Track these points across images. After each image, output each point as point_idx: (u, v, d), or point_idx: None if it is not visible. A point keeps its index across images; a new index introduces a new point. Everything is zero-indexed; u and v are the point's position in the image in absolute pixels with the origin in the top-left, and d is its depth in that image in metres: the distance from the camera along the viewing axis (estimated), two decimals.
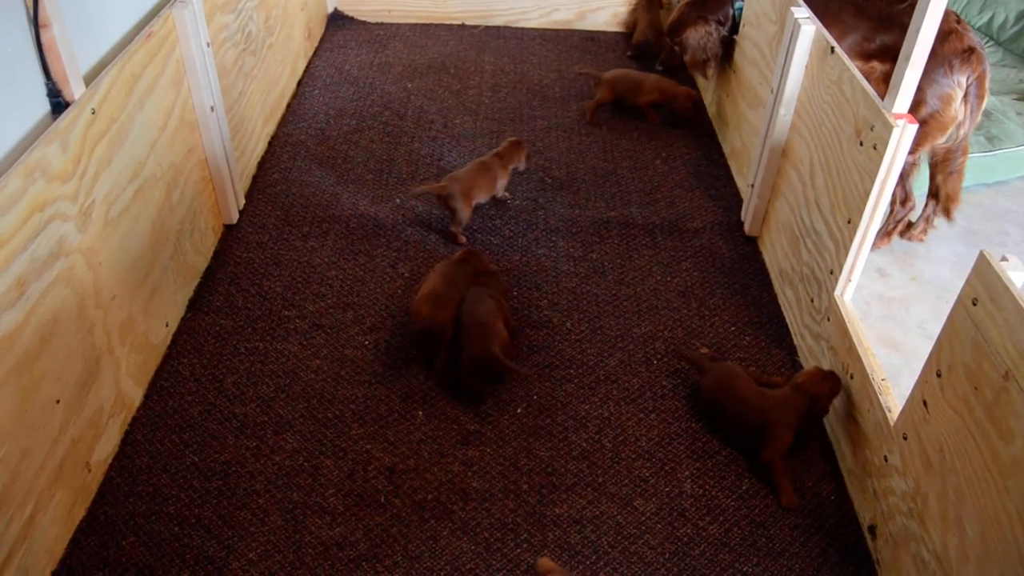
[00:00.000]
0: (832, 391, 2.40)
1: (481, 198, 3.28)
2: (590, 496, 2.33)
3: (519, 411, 2.56)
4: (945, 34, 3.00)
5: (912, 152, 3.16)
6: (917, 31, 2.17)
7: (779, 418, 2.37)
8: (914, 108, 3.03)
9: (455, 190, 3.17)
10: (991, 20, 4.95)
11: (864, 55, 3.18)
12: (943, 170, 3.31)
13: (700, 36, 3.80)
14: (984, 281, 1.74)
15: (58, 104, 2.18)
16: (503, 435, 2.49)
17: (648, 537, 2.23)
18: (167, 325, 2.73)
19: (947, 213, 3.41)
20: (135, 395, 2.52)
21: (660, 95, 4.02)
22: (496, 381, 2.61)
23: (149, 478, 2.33)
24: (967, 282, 1.80)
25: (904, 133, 2.23)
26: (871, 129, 2.35)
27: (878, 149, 2.30)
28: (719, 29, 3.78)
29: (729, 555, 2.20)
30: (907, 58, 2.22)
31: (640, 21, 4.80)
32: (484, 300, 2.64)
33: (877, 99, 2.35)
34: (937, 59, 2.99)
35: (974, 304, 1.77)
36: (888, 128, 2.24)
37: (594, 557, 2.18)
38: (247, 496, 2.29)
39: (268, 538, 2.19)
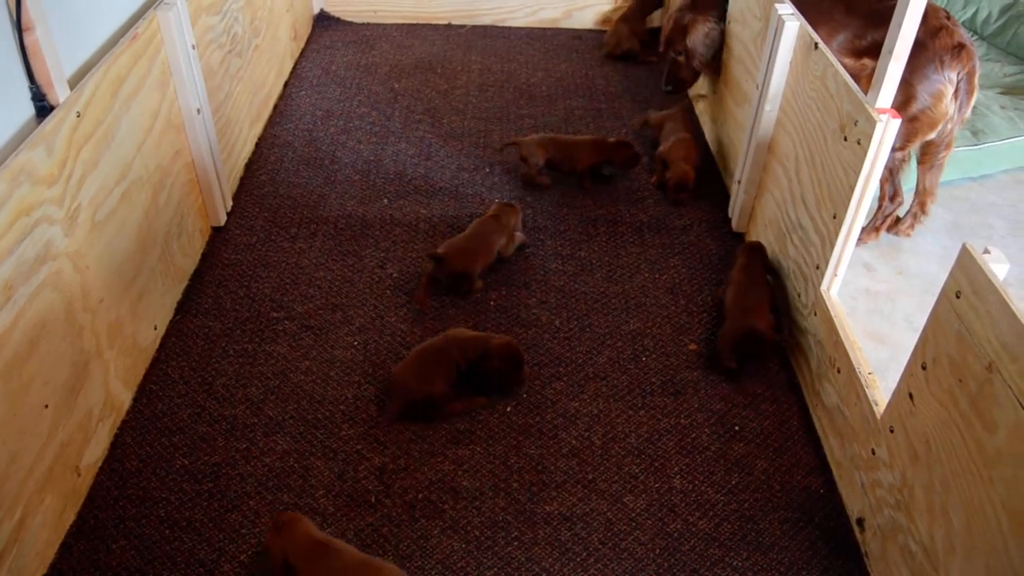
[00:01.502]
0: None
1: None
2: (580, 493, 2.34)
3: (508, 409, 2.57)
4: (935, 30, 3.01)
5: (902, 148, 3.18)
6: (899, 25, 2.19)
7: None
8: (905, 104, 3.05)
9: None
10: (975, 15, 4.98)
11: (856, 52, 3.19)
12: (924, 163, 3.32)
13: (704, 34, 3.73)
14: (967, 274, 1.75)
15: (43, 108, 2.17)
16: (493, 434, 2.49)
17: (638, 533, 2.24)
18: (155, 328, 2.73)
19: (922, 207, 3.43)
20: (124, 398, 2.52)
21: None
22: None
23: (139, 481, 2.32)
24: (950, 275, 1.81)
25: (888, 128, 2.25)
26: (855, 124, 2.37)
27: (862, 144, 2.31)
28: (719, 23, 3.74)
29: (719, 550, 2.21)
30: (890, 52, 2.24)
31: (620, 31, 4.76)
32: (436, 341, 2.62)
33: (860, 94, 2.37)
34: (928, 55, 3.00)
35: (957, 297, 1.79)
36: (872, 123, 2.26)
37: (584, 554, 2.19)
38: (238, 498, 2.29)
39: (259, 540, 2.19)
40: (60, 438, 2.14)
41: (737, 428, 2.54)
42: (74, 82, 2.31)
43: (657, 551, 2.20)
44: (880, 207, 3.39)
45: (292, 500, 2.28)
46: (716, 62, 3.80)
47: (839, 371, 2.40)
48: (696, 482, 2.38)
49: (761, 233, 3.13)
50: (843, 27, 3.19)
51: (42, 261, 2.05)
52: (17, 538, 1.96)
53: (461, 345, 2.58)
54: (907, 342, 2.90)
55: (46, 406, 2.07)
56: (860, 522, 2.23)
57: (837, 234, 2.45)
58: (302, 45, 4.72)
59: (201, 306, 2.90)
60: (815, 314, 2.59)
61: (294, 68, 4.48)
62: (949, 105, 3.08)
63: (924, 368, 1.92)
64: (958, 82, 3.05)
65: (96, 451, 2.34)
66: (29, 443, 2.00)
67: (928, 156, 3.29)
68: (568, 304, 2.97)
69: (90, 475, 2.31)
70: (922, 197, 3.41)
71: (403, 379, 2.52)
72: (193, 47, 2.86)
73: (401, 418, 2.51)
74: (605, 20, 5.07)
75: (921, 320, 1.97)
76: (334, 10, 5.06)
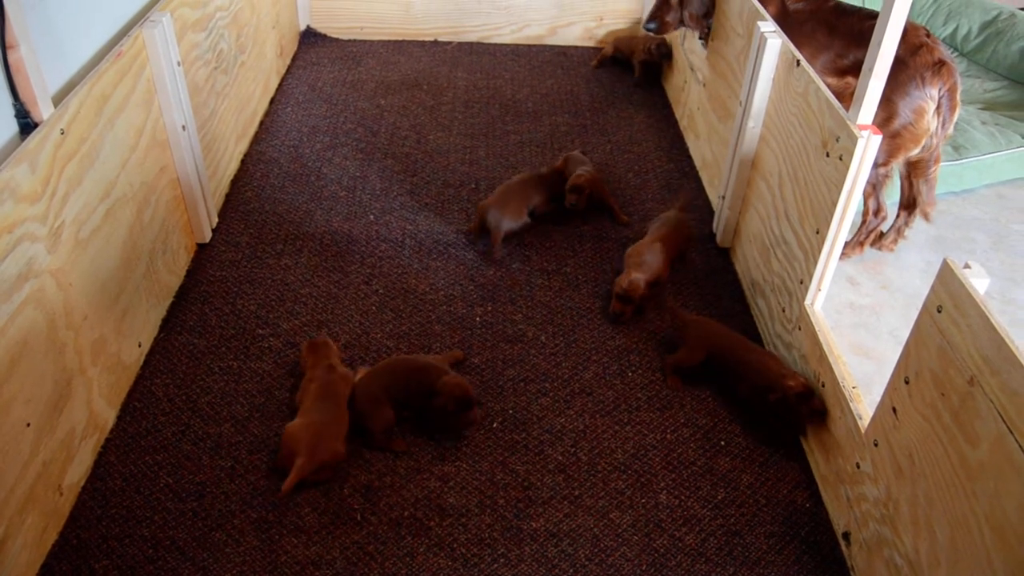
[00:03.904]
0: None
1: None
2: (567, 509, 2.33)
3: (495, 426, 2.57)
4: (916, 48, 3.06)
5: (885, 164, 3.21)
6: (879, 44, 2.22)
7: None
8: (888, 121, 3.09)
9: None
10: (955, 32, 5.05)
11: (839, 71, 3.24)
12: (918, 178, 3.36)
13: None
14: (948, 289, 1.77)
15: (26, 125, 2.17)
16: (479, 450, 2.49)
17: (625, 549, 2.24)
18: (140, 345, 2.71)
19: (926, 216, 3.47)
20: (108, 416, 2.50)
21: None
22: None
23: (122, 500, 2.30)
24: (932, 290, 1.83)
25: (869, 144, 2.27)
26: (837, 140, 2.39)
27: (844, 160, 2.34)
28: None
29: (706, 565, 2.21)
30: (870, 70, 2.27)
31: (633, 43, 4.75)
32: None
33: (842, 111, 2.39)
34: (909, 72, 3.04)
35: (939, 312, 1.80)
36: (853, 139, 2.28)
37: (571, 571, 2.18)
38: (222, 517, 2.27)
39: (244, 559, 2.17)
40: (42, 457, 2.12)
41: (723, 443, 2.54)
42: (58, 99, 2.30)
43: (644, 567, 2.20)
44: (864, 222, 3.42)
45: (277, 518, 2.27)
46: (707, 21, 3.74)
47: (824, 385, 2.41)
48: (682, 497, 2.38)
49: (746, 248, 3.15)
50: (826, 47, 3.24)
51: (25, 278, 2.04)
52: None
53: (408, 374, 2.54)
54: (892, 355, 2.92)
55: (28, 424, 2.05)
56: (846, 536, 2.24)
57: (820, 249, 2.47)
58: (288, 62, 4.72)
59: (186, 323, 2.89)
60: (799, 328, 2.60)
61: (280, 85, 4.48)
62: (931, 121, 3.12)
63: (907, 382, 1.93)
64: (940, 98, 3.09)
65: (79, 470, 2.32)
66: (10, 462, 1.98)
67: (920, 172, 3.34)
68: (554, 319, 2.97)
69: (73, 494, 2.29)
70: (924, 209, 3.44)
71: (359, 403, 2.49)
72: (178, 64, 2.86)
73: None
74: (590, 37, 5.10)
75: (905, 334, 1.98)
76: (320, 27, 5.08)
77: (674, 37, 4.46)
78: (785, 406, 2.44)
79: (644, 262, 3.01)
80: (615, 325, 2.95)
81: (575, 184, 3.38)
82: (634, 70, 4.68)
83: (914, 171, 3.36)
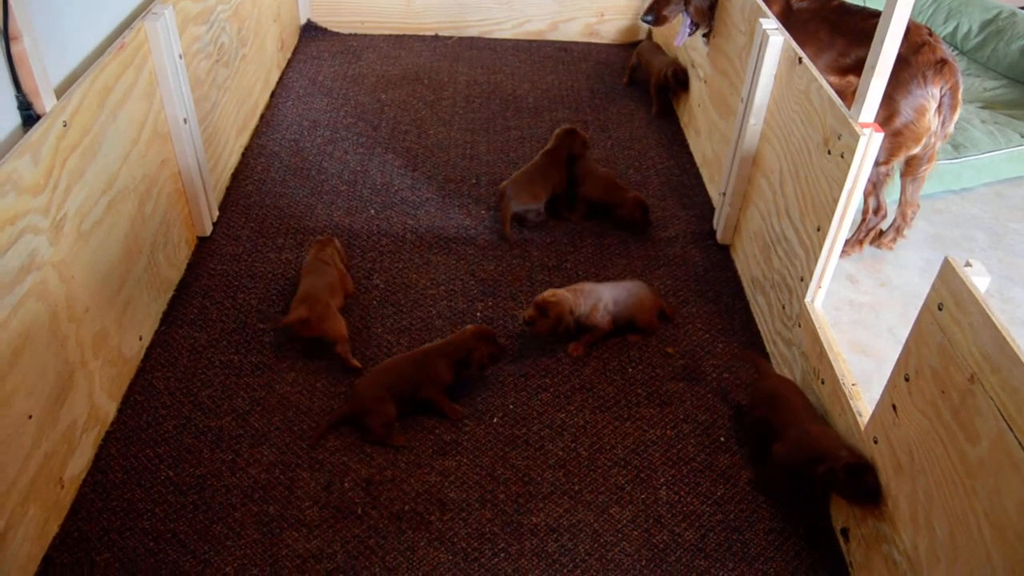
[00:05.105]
0: None
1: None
2: (567, 504, 2.34)
3: (495, 420, 2.57)
4: (918, 46, 3.06)
5: (886, 162, 3.22)
6: (882, 42, 2.22)
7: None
8: (889, 119, 3.09)
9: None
10: (955, 30, 5.05)
11: (840, 70, 3.24)
12: (907, 176, 3.37)
13: None
14: (949, 287, 1.78)
15: (29, 117, 2.16)
16: (479, 445, 2.49)
17: (625, 544, 2.25)
18: (141, 338, 2.71)
19: (903, 218, 3.48)
20: (109, 409, 2.50)
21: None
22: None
23: (123, 493, 2.31)
24: (933, 288, 1.84)
25: (871, 142, 2.27)
26: (839, 138, 2.39)
27: (845, 157, 2.34)
28: None
29: (705, 561, 2.22)
30: (872, 68, 2.27)
31: (653, 62, 4.54)
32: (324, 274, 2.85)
33: (844, 108, 2.40)
34: (911, 71, 3.05)
35: (940, 309, 1.81)
36: (855, 137, 2.29)
37: (571, 565, 2.19)
38: (223, 510, 2.28)
39: (244, 552, 2.18)
40: (44, 449, 2.12)
41: (722, 439, 2.55)
42: (61, 91, 2.30)
43: (643, 562, 2.21)
44: (864, 220, 3.43)
45: (278, 511, 2.27)
46: (711, 13, 3.72)
47: (823, 382, 2.42)
48: (682, 493, 2.39)
49: (746, 245, 3.15)
50: (828, 46, 3.24)
51: (27, 271, 2.04)
52: None
53: (413, 368, 2.55)
54: (891, 353, 2.93)
55: (30, 417, 2.05)
56: (845, 532, 2.25)
57: (821, 246, 2.48)
58: (289, 55, 4.72)
59: (187, 316, 2.89)
60: (799, 325, 2.61)
61: (281, 78, 4.48)
62: (932, 119, 3.13)
63: (907, 380, 1.94)
64: (941, 97, 3.10)
65: (80, 462, 2.33)
66: (12, 454, 1.98)
67: (911, 169, 3.34)
68: None
69: (74, 487, 2.29)
70: (903, 208, 3.46)
71: (362, 400, 2.50)
72: (180, 57, 2.86)
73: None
74: (591, 33, 5.10)
75: (904, 331, 1.99)
76: (321, 20, 5.07)
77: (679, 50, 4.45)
78: (833, 480, 2.12)
79: (587, 291, 2.80)
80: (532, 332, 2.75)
81: (639, 199, 3.42)
82: (625, 72, 4.68)
83: (905, 168, 3.36)
